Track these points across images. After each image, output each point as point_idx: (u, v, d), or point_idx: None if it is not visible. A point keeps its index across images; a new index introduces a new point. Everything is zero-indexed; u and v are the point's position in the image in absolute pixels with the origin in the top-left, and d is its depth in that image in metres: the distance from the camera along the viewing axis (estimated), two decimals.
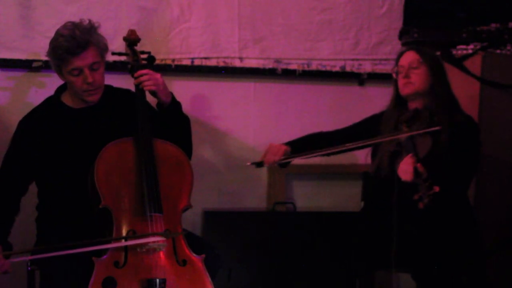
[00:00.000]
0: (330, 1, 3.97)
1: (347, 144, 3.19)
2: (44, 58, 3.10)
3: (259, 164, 3.24)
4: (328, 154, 3.32)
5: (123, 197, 2.72)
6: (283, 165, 3.27)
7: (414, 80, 3.12)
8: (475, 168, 3.11)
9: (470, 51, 3.92)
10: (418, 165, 2.83)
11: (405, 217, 3.01)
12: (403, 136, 3.03)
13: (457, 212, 3.03)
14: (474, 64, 3.88)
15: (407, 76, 3.13)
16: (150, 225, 2.69)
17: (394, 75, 3.21)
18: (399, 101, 3.21)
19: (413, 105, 3.15)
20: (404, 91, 3.15)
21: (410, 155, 2.91)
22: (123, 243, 2.66)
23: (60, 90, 2.97)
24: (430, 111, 3.09)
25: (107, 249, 2.64)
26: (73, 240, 2.64)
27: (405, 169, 2.88)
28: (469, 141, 3.06)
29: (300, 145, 3.25)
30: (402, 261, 3.03)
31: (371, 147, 3.25)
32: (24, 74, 3.53)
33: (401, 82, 3.16)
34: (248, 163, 3.27)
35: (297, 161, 3.34)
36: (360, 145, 3.20)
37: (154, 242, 2.65)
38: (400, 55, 3.21)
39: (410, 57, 3.16)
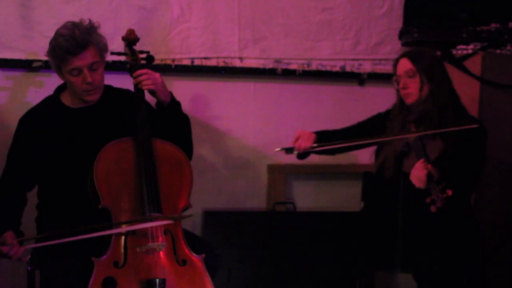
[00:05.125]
0: (330, 1, 3.97)
1: (371, 138, 3.13)
2: (44, 58, 3.11)
3: (289, 150, 3.15)
4: (342, 150, 3.26)
5: (122, 197, 2.72)
6: (304, 155, 3.20)
7: (412, 90, 3.08)
8: (481, 171, 3.09)
9: (470, 51, 3.91)
10: (429, 166, 2.80)
11: (408, 218, 3.01)
12: (417, 135, 2.98)
13: (458, 213, 3.03)
14: (474, 64, 3.88)
15: (404, 86, 3.08)
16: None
17: (395, 84, 3.15)
18: (403, 106, 3.15)
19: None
20: (407, 101, 3.11)
21: (422, 160, 2.86)
22: (129, 227, 2.66)
23: (60, 89, 2.97)
24: (438, 112, 3.05)
25: (106, 249, 2.64)
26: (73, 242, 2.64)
27: (418, 175, 2.83)
28: (478, 145, 3.03)
29: (324, 137, 3.19)
30: (403, 261, 3.03)
31: (376, 146, 3.23)
32: (23, 74, 3.52)
33: (401, 92, 3.12)
34: (277, 149, 3.19)
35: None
36: (380, 140, 3.14)
37: (154, 242, 2.65)
38: (396, 62, 3.16)
39: (405, 65, 3.10)
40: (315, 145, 3.13)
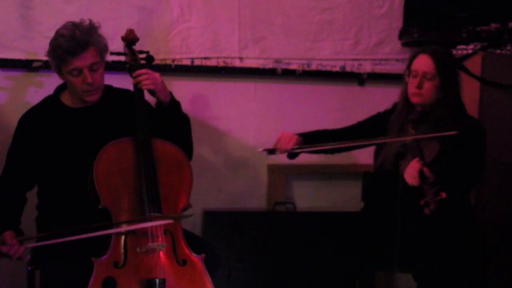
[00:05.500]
0: (330, 1, 3.97)
1: (358, 140, 3.15)
2: (44, 58, 3.11)
3: (271, 151, 3.17)
4: (337, 150, 3.27)
5: (122, 197, 2.72)
6: (293, 155, 3.22)
7: (425, 92, 3.04)
8: (480, 172, 3.08)
9: (470, 51, 3.91)
10: (425, 169, 2.79)
11: (408, 218, 3.01)
12: (411, 138, 2.98)
13: (458, 213, 3.03)
14: (474, 64, 3.88)
15: (419, 86, 3.04)
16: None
17: (406, 78, 3.13)
18: (407, 103, 3.13)
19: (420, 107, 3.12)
20: (413, 99, 3.08)
21: (416, 159, 2.86)
22: (129, 227, 2.67)
23: (60, 89, 2.97)
24: (438, 114, 3.05)
25: (106, 249, 2.64)
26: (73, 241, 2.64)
27: (411, 173, 2.83)
28: (476, 146, 3.03)
29: (311, 138, 3.20)
30: (403, 261, 3.03)
31: (375, 146, 3.23)
32: (23, 73, 3.52)
33: (412, 89, 3.07)
34: (260, 149, 3.22)
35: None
36: (370, 142, 3.17)
37: (154, 242, 2.66)
38: (415, 56, 3.10)
39: (425, 64, 3.04)
40: (296, 146, 3.14)
